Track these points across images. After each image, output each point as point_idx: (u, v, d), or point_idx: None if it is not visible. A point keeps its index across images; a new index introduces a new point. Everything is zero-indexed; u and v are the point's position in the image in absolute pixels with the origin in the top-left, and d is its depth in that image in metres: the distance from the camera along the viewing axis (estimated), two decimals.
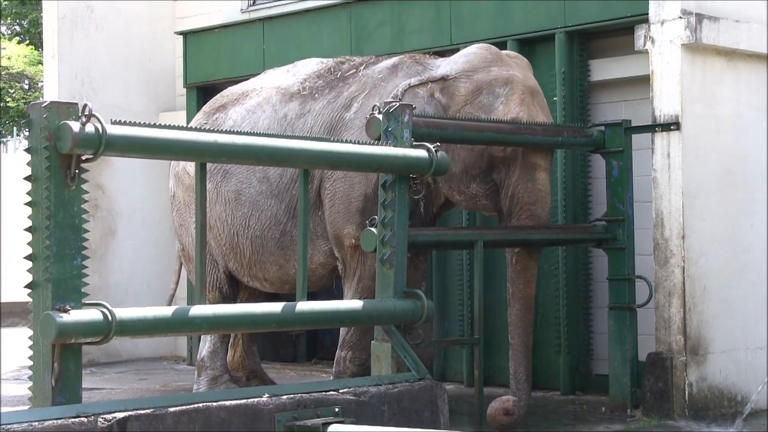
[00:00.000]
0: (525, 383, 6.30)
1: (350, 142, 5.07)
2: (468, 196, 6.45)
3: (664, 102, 6.60)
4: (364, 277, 6.55)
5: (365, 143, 5.14)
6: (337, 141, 5.06)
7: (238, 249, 7.09)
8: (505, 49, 7.64)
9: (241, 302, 7.55)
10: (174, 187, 7.53)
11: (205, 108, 7.61)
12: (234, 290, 7.43)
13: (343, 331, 6.68)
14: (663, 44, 6.62)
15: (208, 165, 7.02)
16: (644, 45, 6.71)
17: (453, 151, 6.28)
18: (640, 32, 6.72)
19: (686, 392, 6.43)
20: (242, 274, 7.22)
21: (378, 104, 5.99)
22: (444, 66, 6.61)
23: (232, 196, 7.02)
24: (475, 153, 6.36)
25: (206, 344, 7.37)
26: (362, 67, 6.92)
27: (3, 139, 21.19)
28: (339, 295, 6.83)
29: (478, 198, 6.46)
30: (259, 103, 7.12)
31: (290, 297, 7.28)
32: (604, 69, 7.61)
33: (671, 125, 6.56)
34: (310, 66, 7.23)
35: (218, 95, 7.67)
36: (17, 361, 9.49)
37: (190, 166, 7.10)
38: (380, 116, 5.34)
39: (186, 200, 7.35)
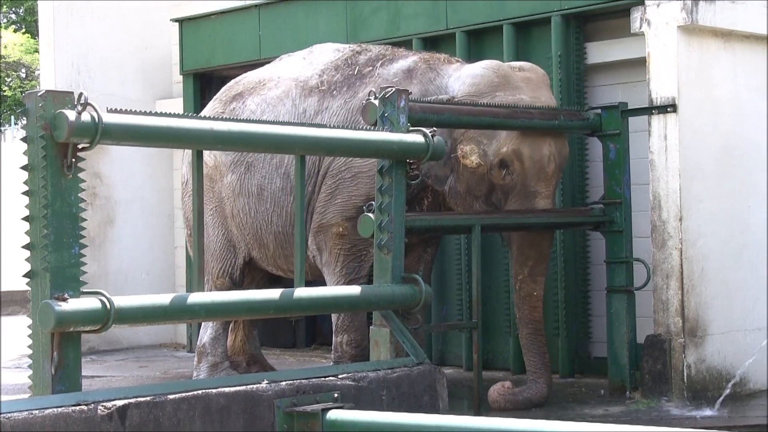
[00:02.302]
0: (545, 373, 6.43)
1: (345, 127, 5.07)
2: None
3: (661, 84, 6.59)
4: (348, 258, 6.62)
5: (362, 129, 5.14)
6: (333, 127, 5.06)
7: (262, 242, 7.13)
8: (501, 33, 7.68)
9: (246, 283, 7.58)
10: (187, 174, 7.53)
11: (221, 96, 7.55)
12: (244, 278, 7.47)
13: (334, 317, 6.72)
14: (659, 26, 6.59)
15: (230, 157, 7.11)
16: (640, 27, 6.68)
17: (458, 172, 6.37)
18: (636, 14, 6.70)
19: (684, 374, 6.44)
20: (267, 263, 7.27)
21: (374, 89, 5.99)
22: (452, 83, 6.55)
23: (255, 191, 7.04)
24: (477, 176, 6.38)
25: (207, 330, 7.39)
26: (378, 65, 6.86)
27: (0, 128, 21.17)
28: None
29: None
30: (279, 96, 7.08)
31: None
32: (600, 52, 7.59)
33: (668, 107, 6.55)
34: (327, 54, 7.16)
35: (232, 82, 7.63)
36: (17, 350, 9.50)
37: (208, 156, 7.11)
38: (376, 101, 5.33)
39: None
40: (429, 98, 6.23)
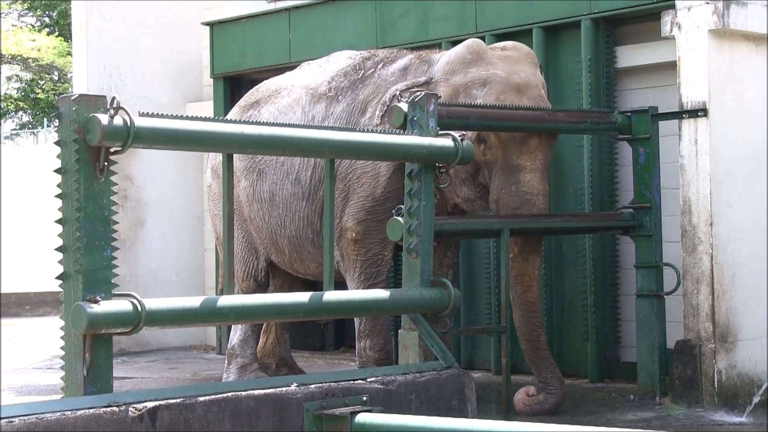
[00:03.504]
0: (553, 379, 6.32)
1: (374, 131, 5.07)
2: (463, 198, 6.49)
3: (691, 88, 6.55)
4: (365, 264, 6.63)
5: (389, 132, 5.14)
6: (362, 130, 5.05)
7: (277, 246, 7.19)
8: (531, 37, 7.66)
9: (273, 286, 7.67)
10: (210, 178, 7.64)
11: (241, 102, 7.69)
12: (268, 279, 7.52)
13: (356, 322, 6.74)
14: (690, 30, 6.55)
15: (243, 163, 7.17)
16: (671, 31, 6.64)
17: None
18: (666, 18, 6.65)
19: (715, 380, 6.39)
20: (285, 266, 7.34)
21: (397, 92, 5.95)
22: (435, 68, 6.56)
23: (267, 197, 7.10)
24: None
25: (237, 332, 7.45)
26: (380, 66, 6.90)
27: (34, 131, 21.36)
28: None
29: (471, 200, 6.48)
30: (290, 104, 7.16)
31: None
32: (630, 55, 7.56)
33: (698, 111, 6.51)
34: (339, 62, 7.21)
35: (254, 89, 7.72)
36: (49, 351, 9.60)
37: None
38: (403, 105, 5.32)
39: (221, 192, 7.42)
40: (456, 102, 6.23)
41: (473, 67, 6.41)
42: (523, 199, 6.25)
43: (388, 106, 6.26)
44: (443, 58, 6.58)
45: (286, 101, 7.20)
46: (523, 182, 6.25)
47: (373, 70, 6.92)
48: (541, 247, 6.54)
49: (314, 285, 7.67)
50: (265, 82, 7.72)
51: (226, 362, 7.51)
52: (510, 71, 6.41)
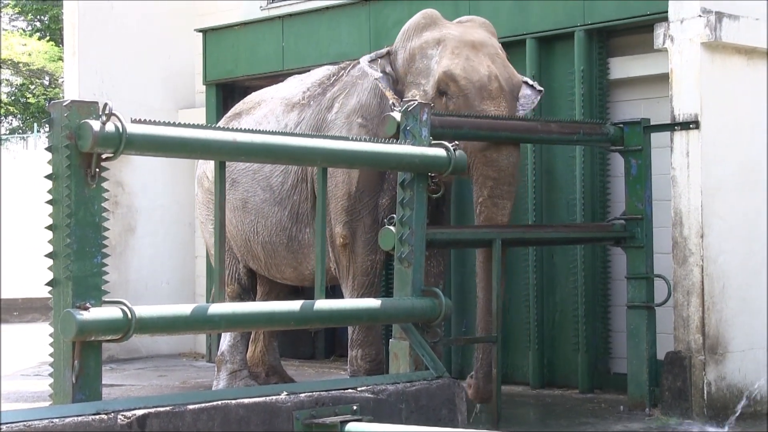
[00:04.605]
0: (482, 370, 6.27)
1: (368, 140, 5.07)
2: None
3: (684, 101, 6.55)
4: (357, 273, 6.60)
5: (382, 141, 5.15)
6: (356, 139, 5.05)
7: (252, 252, 7.26)
8: (524, 47, 7.68)
9: (260, 293, 7.72)
10: (197, 187, 7.82)
11: (228, 113, 7.82)
12: (252, 281, 7.60)
13: (350, 330, 6.73)
14: (682, 42, 6.56)
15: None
16: (663, 43, 6.65)
17: None
18: (659, 30, 6.66)
19: (705, 391, 6.38)
20: (263, 272, 7.41)
21: (366, 63, 6.14)
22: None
23: (239, 204, 7.18)
24: None
25: (227, 339, 7.50)
26: (350, 68, 7.01)
27: (24, 135, 21.30)
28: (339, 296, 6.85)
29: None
30: (265, 114, 7.28)
31: (310, 289, 7.39)
32: (623, 67, 7.57)
33: (690, 124, 6.51)
34: (318, 74, 7.32)
35: (242, 101, 7.81)
36: (37, 357, 9.55)
37: (210, 171, 7.30)
38: (395, 114, 5.34)
39: (206, 200, 7.58)
40: (450, 112, 6.23)
41: (427, 30, 6.51)
42: (498, 169, 6.18)
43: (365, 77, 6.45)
44: (401, 30, 6.69)
45: (263, 112, 7.31)
46: (501, 151, 6.20)
47: (342, 73, 7.04)
48: (513, 193, 6.35)
49: (301, 289, 7.70)
50: (252, 94, 7.79)
51: (216, 369, 7.53)
52: (464, 32, 6.49)
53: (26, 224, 14.06)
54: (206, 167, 7.53)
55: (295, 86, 7.36)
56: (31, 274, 11.21)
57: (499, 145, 6.21)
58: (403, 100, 6.19)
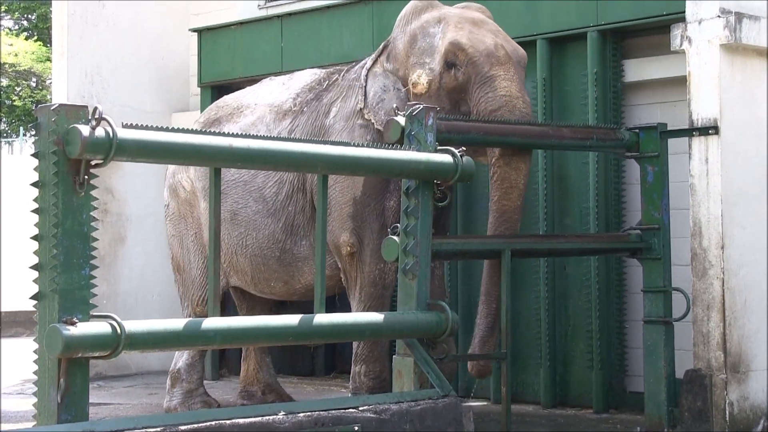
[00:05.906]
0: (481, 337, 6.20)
1: (370, 146, 4.95)
2: None
3: (702, 105, 6.41)
4: (365, 284, 6.48)
5: (386, 147, 5.00)
6: (357, 145, 4.98)
7: (238, 267, 7.07)
8: (535, 48, 7.64)
9: (244, 309, 7.59)
10: (168, 198, 7.52)
11: (200, 119, 7.57)
12: (228, 304, 7.51)
13: (354, 345, 6.61)
14: (700, 44, 6.43)
15: (202, 184, 7.09)
16: (681, 45, 6.52)
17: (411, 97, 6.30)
18: (676, 32, 6.53)
19: (726, 412, 6.22)
20: (248, 287, 7.21)
21: (368, 64, 6.11)
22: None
23: (228, 216, 6.97)
24: (434, 96, 6.25)
25: (183, 356, 7.31)
26: (344, 72, 6.96)
27: (9, 140, 21.08)
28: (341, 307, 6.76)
29: None
30: (253, 122, 7.10)
31: (297, 304, 7.17)
32: (638, 69, 7.47)
33: (709, 129, 6.37)
34: (303, 78, 7.21)
35: (213, 105, 7.66)
36: (20, 374, 9.23)
37: (186, 180, 7.20)
38: (399, 118, 5.24)
39: (181, 212, 7.38)
40: (415, 45, 6.30)
41: (425, 12, 6.55)
42: (500, 102, 6.17)
43: (364, 85, 6.43)
44: (397, 18, 6.71)
45: (249, 119, 7.14)
46: (499, 88, 6.19)
47: (337, 77, 6.98)
48: (529, 157, 6.31)
49: (289, 304, 7.44)
50: (225, 97, 7.68)
51: (169, 385, 7.34)
52: (463, 11, 6.57)
53: (11, 234, 13.75)
54: (182, 176, 7.33)
55: (280, 91, 7.21)
56: (15, 287, 10.90)
57: (495, 81, 6.19)
58: (410, 81, 6.29)
